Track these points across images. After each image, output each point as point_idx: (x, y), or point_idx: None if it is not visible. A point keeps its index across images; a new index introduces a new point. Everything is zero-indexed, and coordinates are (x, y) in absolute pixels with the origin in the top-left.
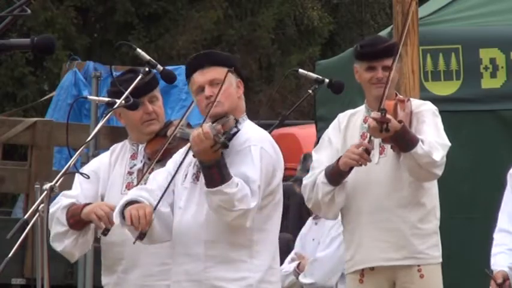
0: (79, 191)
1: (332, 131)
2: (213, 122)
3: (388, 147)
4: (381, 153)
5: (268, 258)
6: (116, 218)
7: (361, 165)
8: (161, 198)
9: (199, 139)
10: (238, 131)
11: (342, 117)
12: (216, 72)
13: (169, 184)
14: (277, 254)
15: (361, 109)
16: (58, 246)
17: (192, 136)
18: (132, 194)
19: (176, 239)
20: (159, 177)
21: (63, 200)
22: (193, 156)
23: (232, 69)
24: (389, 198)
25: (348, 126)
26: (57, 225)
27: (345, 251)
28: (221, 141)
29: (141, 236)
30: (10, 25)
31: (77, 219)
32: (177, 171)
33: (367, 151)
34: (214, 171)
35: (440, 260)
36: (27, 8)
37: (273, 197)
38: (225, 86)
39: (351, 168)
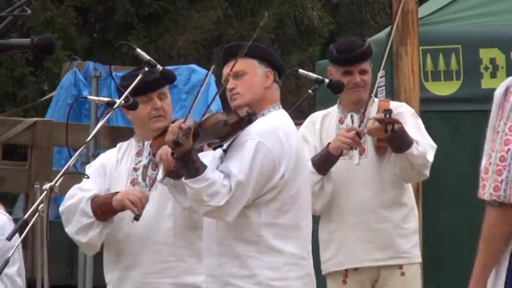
0: (94, 185)
1: (306, 130)
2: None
3: (368, 147)
4: (361, 154)
5: (284, 254)
6: None
7: (352, 149)
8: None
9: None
10: (248, 122)
11: (315, 117)
12: (239, 64)
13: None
14: (303, 248)
15: (333, 110)
16: (82, 238)
17: (169, 132)
18: None
19: (203, 235)
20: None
21: (82, 193)
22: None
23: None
24: (372, 199)
25: (322, 128)
26: (82, 217)
27: (321, 251)
28: (173, 139)
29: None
30: (10, 25)
31: (106, 209)
32: None
33: (359, 135)
34: (181, 164)
35: (421, 259)
36: (28, 8)
37: (279, 191)
38: (248, 76)
39: (341, 154)
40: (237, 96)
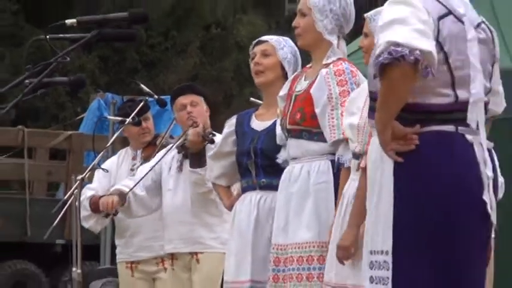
0: (97, 184)
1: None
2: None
3: None
4: None
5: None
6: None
7: None
8: (136, 184)
9: (196, 135)
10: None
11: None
12: (194, 97)
13: (140, 180)
14: None
15: None
16: (86, 224)
17: (192, 133)
18: (120, 184)
19: (170, 211)
20: (144, 169)
21: (87, 192)
22: (182, 148)
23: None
24: None
25: None
26: (84, 211)
27: None
28: (209, 138)
29: (107, 216)
30: (55, 69)
31: (96, 206)
32: (155, 164)
33: None
34: (196, 157)
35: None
36: (67, 56)
37: None
38: (199, 108)
39: None
40: (193, 118)
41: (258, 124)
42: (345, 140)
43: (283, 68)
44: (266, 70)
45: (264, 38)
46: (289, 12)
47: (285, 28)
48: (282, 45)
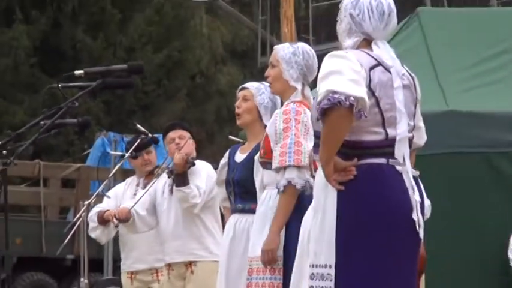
0: (106, 204)
1: None
2: None
3: None
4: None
5: (217, 236)
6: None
7: None
8: (135, 204)
9: (180, 158)
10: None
11: None
12: (182, 132)
13: (141, 197)
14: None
15: None
16: (92, 235)
17: (176, 157)
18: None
19: (167, 227)
20: (140, 194)
21: (96, 209)
22: (172, 173)
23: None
24: None
25: None
26: (92, 223)
27: None
28: (191, 161)
29: (122, 221)
30: (66, 112)
31: (102, 219)
32: (149, 187)
33: None
34: (180, 178)
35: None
36: (76, 101)
37: (213, 201)
38: (187, 140)
39: None
40: (180, 148)
41: (238, 156)
42: (282, 168)
43: (259, 112)
44: (243, 113)
45: (246, 84)
46: (261, 64)
47: (258, 77)
48: (260, 92)
